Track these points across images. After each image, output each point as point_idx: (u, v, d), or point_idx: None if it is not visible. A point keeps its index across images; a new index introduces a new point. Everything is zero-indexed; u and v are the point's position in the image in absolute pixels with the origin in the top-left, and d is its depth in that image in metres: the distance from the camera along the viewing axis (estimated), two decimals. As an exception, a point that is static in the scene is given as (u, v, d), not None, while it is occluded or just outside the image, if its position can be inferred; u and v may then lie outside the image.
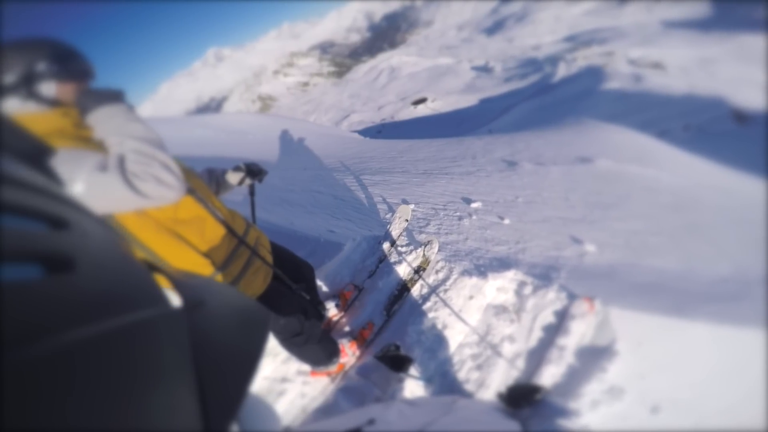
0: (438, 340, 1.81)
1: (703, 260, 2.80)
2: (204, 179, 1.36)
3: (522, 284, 2.00)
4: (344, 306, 2.12)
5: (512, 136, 7.62)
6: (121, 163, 0.80)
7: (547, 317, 1.81)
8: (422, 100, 67.13)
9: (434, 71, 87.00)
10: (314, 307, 1.68)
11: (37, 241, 0.22)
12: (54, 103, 0.89)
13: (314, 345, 1.58)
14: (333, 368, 1.76)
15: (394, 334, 1.92)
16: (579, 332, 1.66)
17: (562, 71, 50.37)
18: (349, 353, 1.84)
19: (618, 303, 1.80)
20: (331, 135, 10.20)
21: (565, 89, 34.66)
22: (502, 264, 2.24)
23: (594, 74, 38.49)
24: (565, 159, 5.47)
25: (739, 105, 27.37)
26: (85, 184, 0.75)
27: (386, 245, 2.39)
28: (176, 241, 1.03)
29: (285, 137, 8.08)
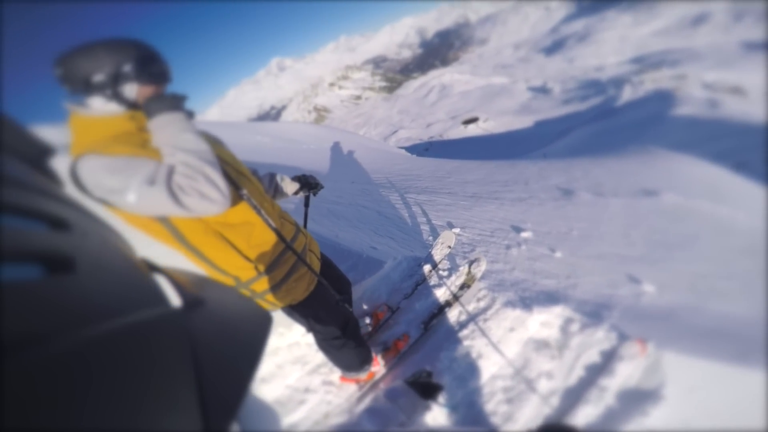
0: (470, 369, 1.77)
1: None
2: (264, 183, 1.41)
3: (569, 320, 1.92)
4: (375, 326, 2.13)
5: (569, 163, 7.32)
6: (169, 176, 0.83)
7: (592, 356, 1.73)
8: (473, 120, 66.42)
9: (487, 90, 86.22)
10: (354, 317, 1.70)
11: (38, 242, 0.22)
12: (132, 105, 0.93)
13: (350, 350, 1.60)
14: (363, 376, 1.78)
15: (425, 357, 1.90)
16: (625, 374, 1.60)
17: (627, 94, 48.03)
18: (381, 363, 1.85)
19: (673, 347, 1.72)
20: (379, 150, 10.39)
21: (630, 114, 32.75)
22: (550, 298, 2.17)
23: (663, 98, 36.13)
24: (627, 191, 5.19)
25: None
26: (135, 196, 0.81)
27: (427, 268, 2.37)
28: (222, 244, 1.06)
29: (336, 149, 8.35)
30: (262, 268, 1.14)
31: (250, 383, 0.30)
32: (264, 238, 1.13)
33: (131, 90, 0.92)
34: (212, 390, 0.26)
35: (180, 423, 0.23)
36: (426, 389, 1.69)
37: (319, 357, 2.03)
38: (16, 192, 0.24)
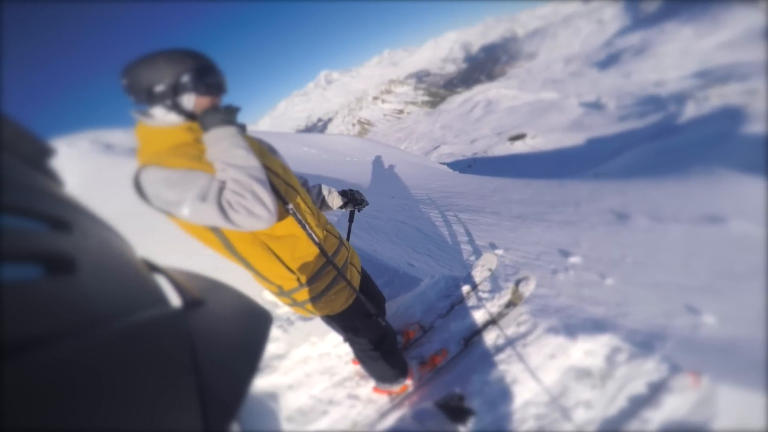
0: (502, 394, 1.73)
1: None
2: (312, 194, 1.47)
3: (616, 350, 1.85)
4: (405, 344, 2.14)
5: (624, 184, 6.91)
6: (220, 192, 0.88)
7: (638, 387, 1.66)
8: (520, 136, 64.80)
9: (536, 106, 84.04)
10: (392, 331, 1.72)
11: (38, 242, 0.22)
12: (190, 115, 0.98)
13: (386, 362, 1.62)
14: (397, 388, 1.79)
15: (456, 378, 1.87)
16: (672, 407, 1.53)
17: (690, 111, 44.90)
18: (416, 377, 1.86)
19: (731, 380, 1.62)
20: (420, 165, 10.41)
21: (694, 132, 30.35)
22: (597, 326, 2.08)
23: (731, 115, 33.19)
24: (690, 216, 4.84)
25: None
26: (189, 210, 0.87)
27: (465, 288, 2.31)
28: (268, 255, 1.10)
29: (377, 163, 8.48)
30: (304, 279, 1.19)
31: (250, 383, 0.30)
32: (307, 251, 1.17)
33: (189, 101, 0.96)
34: (212, 390, 0.26)
35: (180, 423, 0.23)
36: (456, 413, 1.68)
37: (348, 369, 2.06)
38: (17, 192, 0.24)
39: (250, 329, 0.38)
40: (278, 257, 1.12)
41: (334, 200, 1.52)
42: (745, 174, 7.93)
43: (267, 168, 1.05)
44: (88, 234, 0.28)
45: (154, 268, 0.37)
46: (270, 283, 1.19)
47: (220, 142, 0.93)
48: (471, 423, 1.64)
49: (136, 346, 0.23)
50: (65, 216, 0.27)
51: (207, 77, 0.97)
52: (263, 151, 1.14)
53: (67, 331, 0.20)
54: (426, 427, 1.69)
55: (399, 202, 5.36)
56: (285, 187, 1.11)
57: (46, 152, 0.35)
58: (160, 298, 0.30)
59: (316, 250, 1.19)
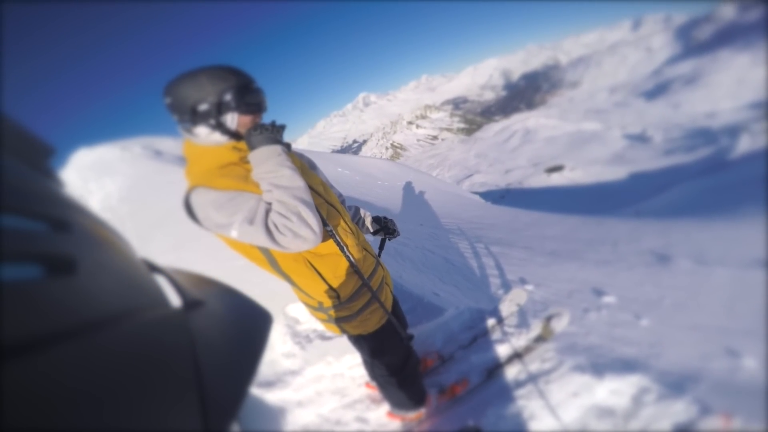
0: (517, 429, 1.73)
1: None
2: (350, 213, 1.50)
3: (644, 390, 1.82)
4: (422, 372, 2.15)
5: (667, 224, 6.69)
6: (266, 215, 0.92)
7: (663, 426, 1.64)
8: (558, 168, 63.33)
9: (577, 137, 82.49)
10: (416, 356, 1.76)
11: (39, 243, 0.23)
12: (234, 134, 1.00)
13: (406, 388, 1.66)
14: (412, 415, 1.81)
15: (471, 411, 1.87)
16: None
17: (744, 145, 42.61)
18: (434, 404, 1.87)
19: (765, 422, 1.64)
20: (451, 193, 10.47)
21: (746, 168, 28.43)
22: (627, 366, 2.07)
23: None
24: (738, 260, 4.65)
25: None
26: (237, 232, 0.92)
27: (491, 321, 2.33)
28: (310, 272, 1.15)
29: (408, 188, 8.61)
30: (343, 297, 1.23)
31: (250, 383, 0.31)
32: (348, 271, 1.22)
33: (233, 120, 0.98)
34: (212, 390, 0.27)
35: (180, 423, 0.24)
36: None
37: (360, 392, 2.10)
38: (18, 193, 0.25)
39: (250, 329, 0.39)
40: (320, 275, 1.16)
41: (368, 225, 1.59)
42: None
43: (308, 187, 1.07)
44: (88, 234, 0.28)
45: (154, 268, 0.37)
46: (311, 298, 1.25)
47: (266, 161, 0.95)
48: None
49: (136, 346, 0.23)
50: (65, 216, 0.27)
51: (248, 95, 0.98)
52: (305, 168, 1.18)
53: (68, 331, 0.20)
54: None
55: (428, 230, 5.45)
56: (326, 206, 1.15)
57: (46, 153, 0.35)
58: (160, 298, 0.31)
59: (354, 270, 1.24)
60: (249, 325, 0.40)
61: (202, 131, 0.97)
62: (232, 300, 0.43)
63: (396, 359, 1.54)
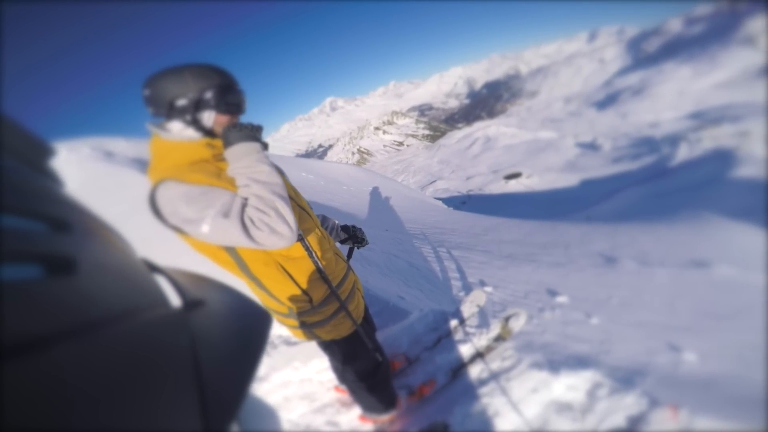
0: (483, 426, 1.79)
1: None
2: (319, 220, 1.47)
3: (597, 385, 1.92)
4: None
5: (614, 228, 7.19)
6: (242, 209, 0.87)
7: (617, 420, 1.74)
8: (516, 175, 65.74)
9: (534, 145, 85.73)
10: (387, 359, 1.77)
11: (38, 242, 0.23)
12: (208, 132, 0.98)
13: (378, 392, 1.66)
14: (385, 418, 1.82)
15: (439, 410, 1.93)
16: None
17: (683, 153, 45.73)
18: (404, 406, 1.89)
19: (711, 413, 1.74)
20: (416, 198, 10.64)
21: (685, 175, 30.93)
22: (580, 362, 2.19)
23: (722, 158, 33.73)
24: (677, 261, 5.08)
25: None
26: (209, 227, 0.85)
27: (453, 323, 2.41)
28: (282, 276, 1.11)
29: (374, 194, 8.67)
30: (315, 301, 1.20)
31: (250, 383, 0.31)
32: (318, 275, 1.19)
33: (209, 118, 0.96)
34: (212, 390, 0.27)
35: (180, 423, 0.23)
36: None
37: (329, 396, 2.10)
38: (17, 193, 0.24)
39: (250, 329, 0.39)
40: (293, 278, 1.13)
41: (337, 233, 1.57)
42: (732, 219, 8.26)
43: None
44: (88, 234, 0.28)
45: (154, 268, 0.37)
46: (280, 304, 1.19)
47: (244, 157, 0.92)
48: None
49: (136, 346, 0.23)
50: (65, 216, 0.27)
51: (229, 95, 0.97)
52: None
53: (67, 331, 0.20)
54: None
55: (393, 235, 5.52)
56: (298, 209, 1.13)
57: (46, 153, 0.35)
58: (160, 298, 0.31)
59: (329, 273, 1.21)
60: (249, 325, 0.40)
61: (176, 126, 0.95)
62: (232, 300, 0.43)
63: (367, 364, 1.52)
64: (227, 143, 0.95)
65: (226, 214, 0.85)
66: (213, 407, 0.26)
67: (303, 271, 1.14)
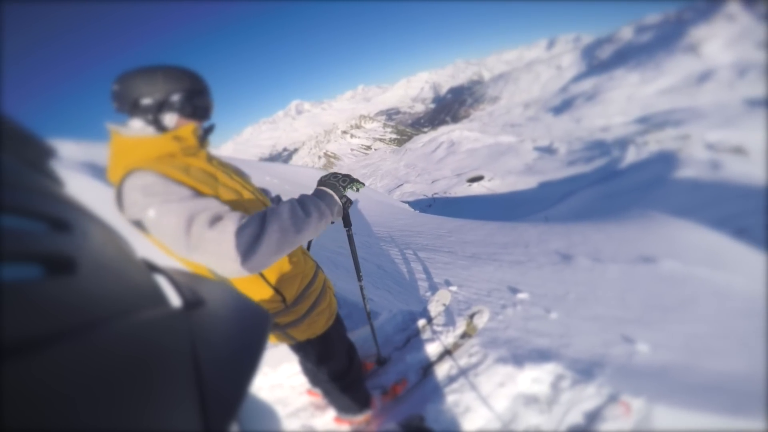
0: (456, 422, 1.82)
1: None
2: None
3: (560, 377, 2.00)
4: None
5: (570, 227, 7.54)
6: (213, 214, 0.83)
7: (582, 410, 1.81)
8: (478, 178, 67.78)
9: (495, 149, 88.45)
10: (359, 358, 1.76)
11: (38, 242, 0.22)
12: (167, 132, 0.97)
13: (352, 393, 1.65)
14: (359, 418, 1.81)
15: (411, 409, 1.95)
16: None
17: (631, 156, 48.62)
18: (378, 405, 1.89)
19: (666, 401, 1.82)
20: (383, 202, 10.69)
21: (633, 176, 33.07)
22: (542, 356, 2.27)
23: (666, 160, 36.39)
24: (626, 257, 5.36)
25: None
26: (155, 212, 0.81)
27: (421, 322, 2.46)
28: (254, 276, 1.08)
29: (342, 198, 8.62)
30: (289, 300, 1.18)
31: (250, 383, 0.31)
32: (293, 272, 1.17)
33: (171, 119, 0.96)
34: (212, 390, 0.27)
35: (180, 423, 0.23)
36: None
37: (302, 400, 2.07)
38: (17, 192, 0.24)
39: (250, 329, 0.38)
40: (264, 278, 1.10)
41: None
42: (676, 217, 8.86)
43: (249, 189, 1.07)
44: (88, 234, 0.28)
45: (154, 268, 0.37)
46: None
47: (323, 207, 0.97)
48: None
49: (136, 346, 0.23)
50: (65, 216, 0.27)
51: (195, 100, 0.98)
52: (240, 172, 1.14)
53: (67, 331, 0.20)
54: None
55: (361, 238, 5.53)
56: (263, 207, 1.10)
57: (46, 153, 0.35)
58: (160, 298, 0.31)
59: (301, 271, 1.20)
60: (249, 325, 0.39)
61: (137, 124, 0.94)
62: (232, 300, 0.42)
63: (341, 364, 1.51)
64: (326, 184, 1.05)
65: (190, 220, 0.80)
66: (213, 407, 0.26)
67: (274, 269, 1.11)
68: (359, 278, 1.67)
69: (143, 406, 0.21)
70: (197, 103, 0.98)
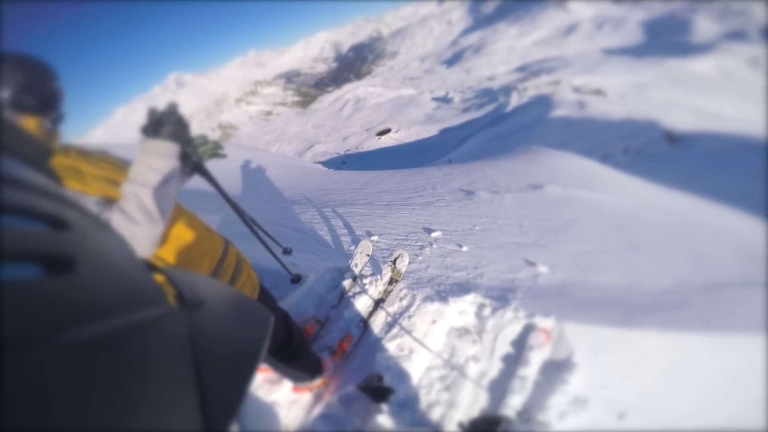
0: (406, 366, 1.87)
1: (646, 274, 3.07)
2: None
3: (481, 306, 2.11)
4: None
5: (469, 166, 8.00)
6: None
7: (508, 335, 1.93)
8: (386, 131, 68.93)
9: (398, 102, 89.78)
10: (297, 324, 1.70)
11: (38, 242, 0.22)
12: None
13: (300, 362, 1.62)
14: (316, 383, 1.80)
15: (363, 361, 1.97)
16: (538, 361, 1.78)
17: (514, 101, 53.14)
18: (331, 366, 1.89)
19: (572, 318, 1.94)
20: (293, 166, 10.26)
21: (517, 118, 36.78)
22: (462, 289, 2.36)
23: (543, 103, 40.93)
24: (518, 187, 5.79)
25: (670, 127, 30.16)
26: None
27: (349, 276, 2.46)
28: (158, 262, 1.01)
29: (246, 168, 8.01)
30: None
31: (250, 383, 0.30)
32: (199, 251, 1.12)
33: (13, 117, 0.86)
34: (212, 390, 0.26)
35: (179, 423, 0.23)
36: (378, 393, 1.74)
37: (255, 379, 1.99)
38: (16, 192, 0.24)
39: (250, 329, 0.38)
40: (165, 263, 1.05)
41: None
42: (554, 149, 9.96)
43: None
44: (87, 233, 0.27)
45: (154, 268, 0.36)
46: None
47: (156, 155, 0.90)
48: (391, 399, 1.80)
49: (135, 345, 0.23)
50: (65, 216, 0.26)
51: (35, 91, 0.83)
52: (109, 157, 1.02)
53: (67, 330, 0.19)
54: (353, 410, 1.78)
55: (274, 205, 5.26)
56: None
57: (46, 152, 0.34)
58: (160, 298, 0.30)
59: (206, 249, 1.15)
60: (249, 325, 0.39)
61: None
62: (232, 300, 0.42)
63: (280, 335, 1.47)
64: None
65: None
66: (213, 407, 0.26)
67: (171, 251, 1.05)
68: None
69: (143, 405, 0.21)
70: (37, 95, 0.83)
